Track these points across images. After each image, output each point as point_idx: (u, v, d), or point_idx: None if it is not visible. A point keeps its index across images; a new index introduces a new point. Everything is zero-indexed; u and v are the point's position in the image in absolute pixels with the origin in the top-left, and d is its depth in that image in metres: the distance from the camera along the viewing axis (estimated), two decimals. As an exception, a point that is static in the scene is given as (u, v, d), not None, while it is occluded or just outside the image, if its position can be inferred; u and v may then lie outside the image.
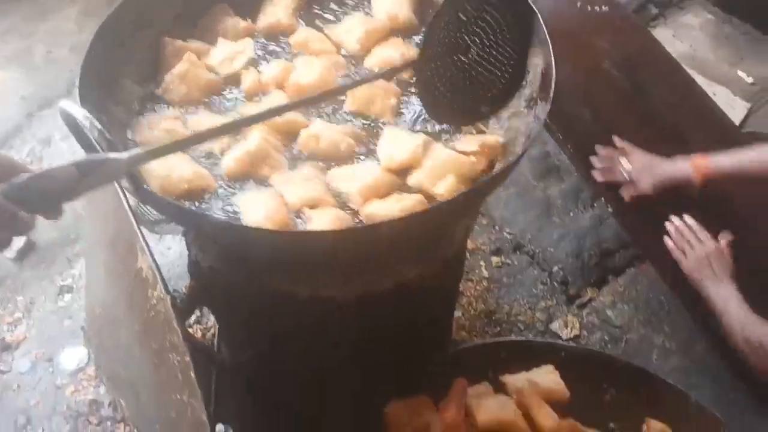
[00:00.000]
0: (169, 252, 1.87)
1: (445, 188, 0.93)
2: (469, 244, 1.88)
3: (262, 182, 0.94)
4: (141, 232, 0.94)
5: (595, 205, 1.94)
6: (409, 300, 1.06)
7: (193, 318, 1.68)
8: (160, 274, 0.92)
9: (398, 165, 0.95)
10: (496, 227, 1.94)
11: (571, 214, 1.95)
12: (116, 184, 0.94)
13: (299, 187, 0.92)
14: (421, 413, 1.14)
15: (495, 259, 1.87)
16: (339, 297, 1.02)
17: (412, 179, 0.95)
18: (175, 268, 1.79)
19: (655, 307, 1.78)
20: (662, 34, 2.42)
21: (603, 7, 2.03)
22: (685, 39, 2.41)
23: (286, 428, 1.36)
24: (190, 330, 1.62)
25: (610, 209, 1.81)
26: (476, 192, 0.93)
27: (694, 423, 1.19)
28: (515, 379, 1.19)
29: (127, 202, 0.96)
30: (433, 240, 1.07)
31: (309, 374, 1.16)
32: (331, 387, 1.17)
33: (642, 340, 1.73)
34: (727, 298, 1.43)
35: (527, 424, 1.11)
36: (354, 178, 0.94)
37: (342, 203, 0.93)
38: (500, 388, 1.19)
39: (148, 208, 1.20)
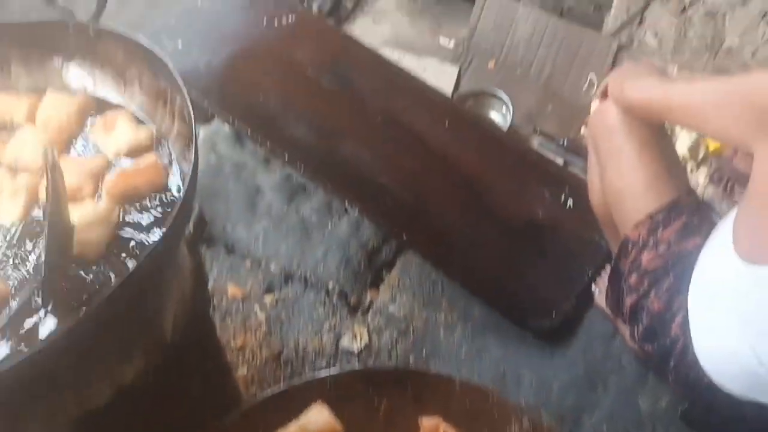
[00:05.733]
0: None
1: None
2: (238, 292, 1.80)
3: None
4: None
5: (348, 210, 1.94)
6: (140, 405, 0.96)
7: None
8: None
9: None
10: (261, 265, 1.87)
11: (329, 226, 1.93)
12: None
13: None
14: None
15: (268, 298, 1.80)
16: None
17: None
18: None
19: (430, 287, 1.82)
20: (363, 24, 2.49)
21: (290, 18, 2.03)
22: (386, 23, 2.49)
23: None
24: None
25: (357, 211, 1.83)
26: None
27: (464, 401, 1.20)
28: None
29: None
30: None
31: None
32: None
33: (426, 323, 1.75)
34: None
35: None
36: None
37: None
38: (273, 449, 1.12)
39: None
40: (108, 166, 1.02)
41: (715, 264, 1.16)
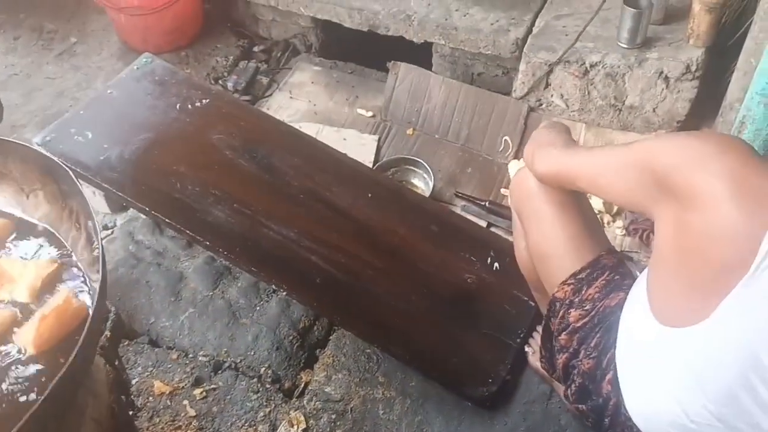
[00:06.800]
0: None
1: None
2: (165, 388, 1.71)
3: None
4: None
5: (276, 290, 1.89)
6: None
7: None
8: None
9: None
10: (189, 356, 1.80)
11: (257, 308, 1.88)
12: None
13: None
14: None
15: (198, 391, 1.72)
16: None
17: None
18: None
19: (365, 362, 1.78)
20: (280, 99, 2.50)
21: (203, 101, 2.02)
22: (302, 97, 2.51)
23: None
24: None
25: (284, 291, 1.80)
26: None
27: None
28: None
29: None
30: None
31: None
32: None
33: (364, 401, 1.71)
34: None
35: None
36: None
37: None
38: None
39: None
40: (21, 316, 0.95)
41: (635, 323, 1.19)
